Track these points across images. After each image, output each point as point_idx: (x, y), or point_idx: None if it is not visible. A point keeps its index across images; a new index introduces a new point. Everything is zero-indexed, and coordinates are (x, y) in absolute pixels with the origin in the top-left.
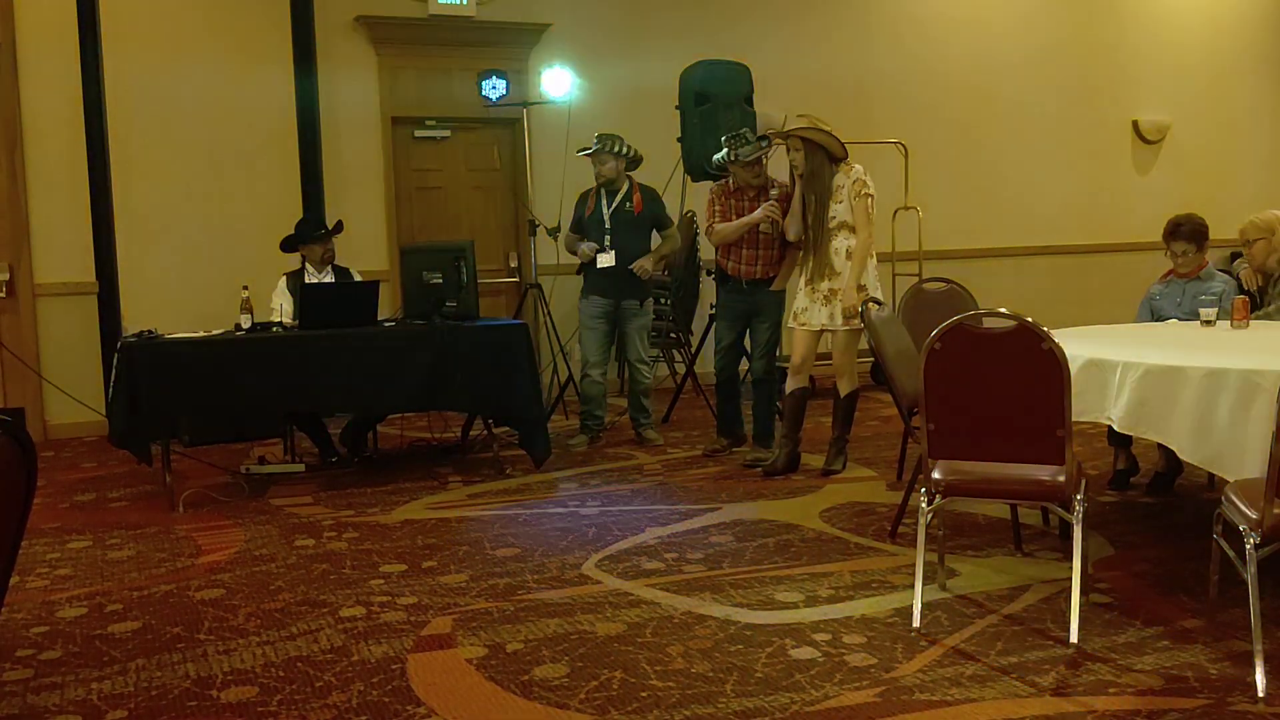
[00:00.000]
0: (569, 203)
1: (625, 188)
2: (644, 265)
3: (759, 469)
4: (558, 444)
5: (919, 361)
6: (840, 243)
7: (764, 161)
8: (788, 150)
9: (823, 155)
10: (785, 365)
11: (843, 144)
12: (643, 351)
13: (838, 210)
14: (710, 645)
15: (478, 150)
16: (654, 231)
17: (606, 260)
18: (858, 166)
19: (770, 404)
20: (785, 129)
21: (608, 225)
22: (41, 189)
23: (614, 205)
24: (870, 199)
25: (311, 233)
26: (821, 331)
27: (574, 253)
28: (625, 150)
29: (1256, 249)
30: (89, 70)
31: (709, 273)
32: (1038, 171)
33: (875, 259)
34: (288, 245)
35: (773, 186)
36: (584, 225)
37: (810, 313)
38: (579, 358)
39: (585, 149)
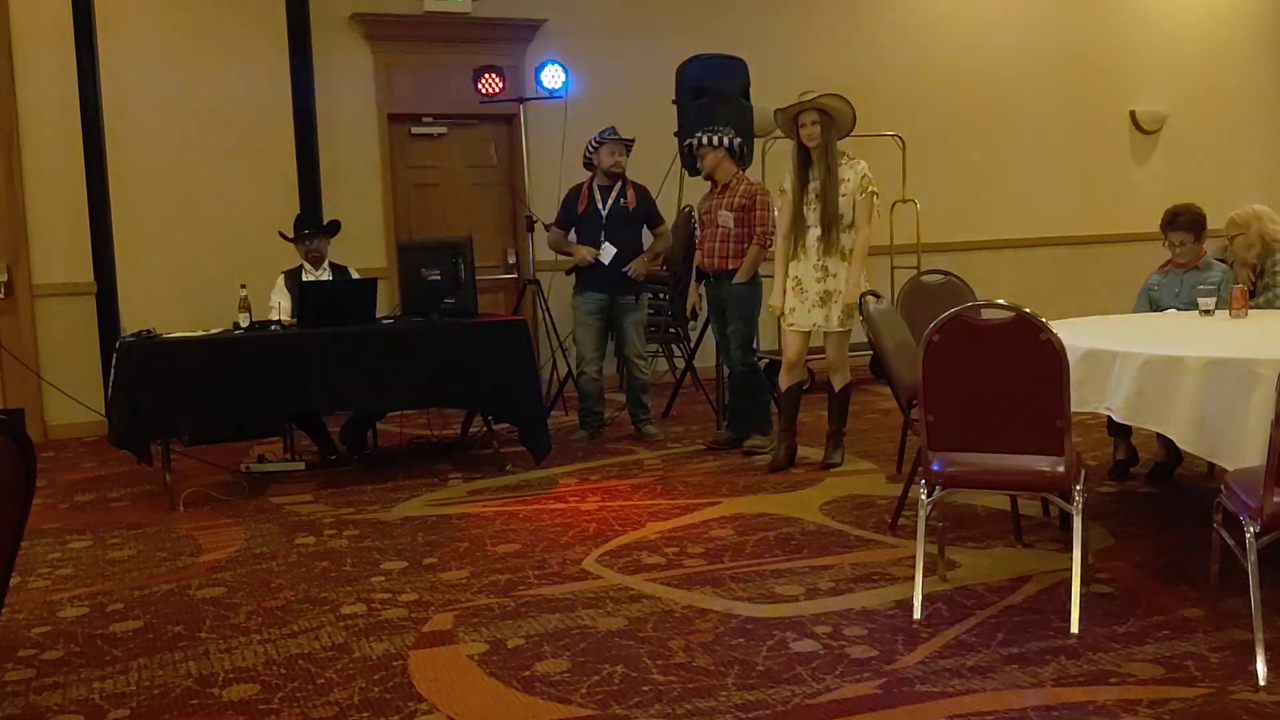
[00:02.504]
0: None
1: (619, 185)
2: (638, 269)
3: (755, 458)
4: (558, 440)
5: (918, 354)
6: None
7: (711, 156)
8: (799, 127)
9: (833, 129)
10: (775, 358)
11: (854, 110)
12: (639, 347)
13: (840, 203)
14: (711, 639)
15: (475, 147)
16: (644, 228)
17: (608, 254)
18: (862, 163)
19: (758, 394)
20: (798, 104)
21: (604, 222)
22: (39, 190)
23: (609, 202)
24: (876, 197)
25: (298, 231)
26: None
27: (564, 253)
28: (631, 150)
29: (1236, 244)
30: (85, 70)
31: None
32: (1035, 163)
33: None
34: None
35: (740, 182)
36: (578, 222)
37: (799, 314)
38: (576, 353)
39: (606, 138)
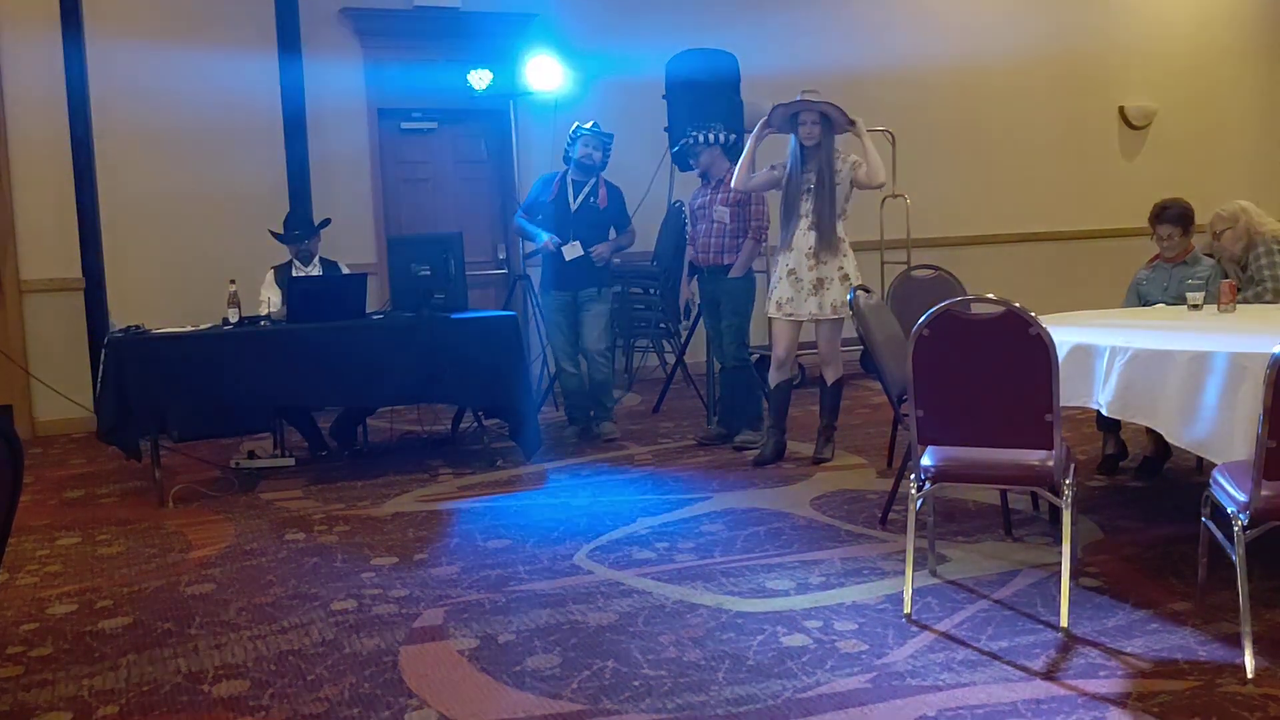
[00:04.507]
0: None
1: (592, 182)
2: (601, 252)
3: (746, 453)
4: (548, 435)
5: (908, 348)
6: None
7: (707, 154)
8: (799, 124)
9: (831, 131)
10: (767, 354)
11: (846, 118)
12: (599, 343)
13: (835, 191)
14: (702, 634)
15: (465, 142)
16: (611, 229)
17: (574, 252)
18: (853, 155)
19: (750, 390)
20: (796, 101)
21: (573, 217)
22: (26, 185)
23: (581, 198)
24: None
25: (288, 232)
26: (804, 322)
27: (527, 238)
28: (610, 148)
29: (1225, 239)
30: (72, 64)
31: None
32: (1025, 158)
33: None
34: (277, 237)
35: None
36: (542, 209)
37: (796, 303)
38: (551, 352)
39: (587, 128)
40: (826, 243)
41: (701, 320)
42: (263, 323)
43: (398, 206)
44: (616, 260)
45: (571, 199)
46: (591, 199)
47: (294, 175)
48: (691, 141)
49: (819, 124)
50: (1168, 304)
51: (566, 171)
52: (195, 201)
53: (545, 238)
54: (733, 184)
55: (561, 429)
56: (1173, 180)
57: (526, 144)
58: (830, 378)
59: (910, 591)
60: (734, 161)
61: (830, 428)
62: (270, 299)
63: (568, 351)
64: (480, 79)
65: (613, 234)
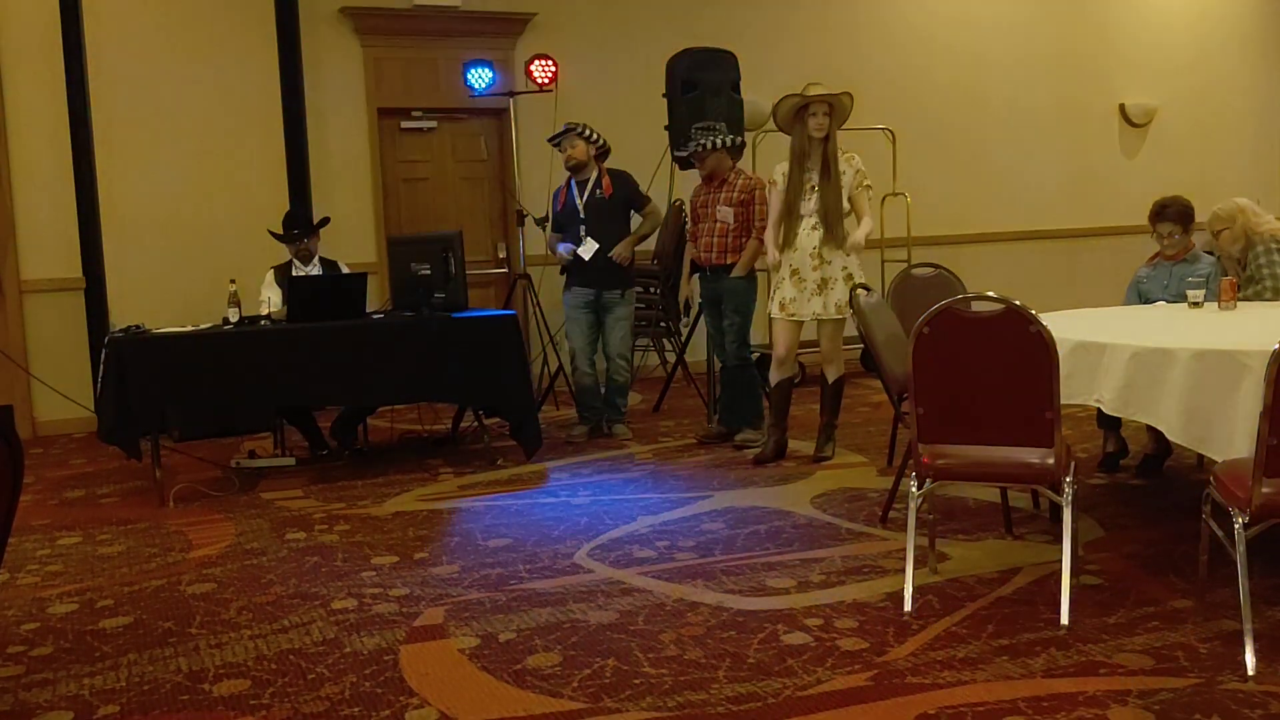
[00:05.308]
0: None
1: (594, 175)
2: (621, 253)
3: (747, 451)
4: (549, 434)
5: (908, 346)
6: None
7: (713, 157)
8: (808, 116)
9: (835, 122)
10: (767, 352)
11: (852, 101)
12: (622, 346)
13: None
14: (702, 632)
15: (465, 141)
16: (631, 213)
17: (589, 250)
18: (857, 157)
19: (751, 388)
20: (806, 94)
21: (583, 215)
22: (26, 184)
23: (586, 194)
24: (870, 190)
25: (287, 231)
26: (805, 321)
27: (554, 253)
28: (594, 135)
29: (1222, 239)
30: (73, 64)
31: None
32: (1025, 156)
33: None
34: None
35: (739, 176)
36: (559, 220)
37: (799, 303)
38: (568, 349)
39: (554, 135)
40: (832, 237)
41: (702, 319)
42: (263, 322)
43: (398, 205)
44: (653, 263)
45: (578, 199)
46: (597, 191)
47: (294, 175)
48: (700, 148)
49: (828, 115)
50: (1168, 302)
51: (570, 177)
52: (195, 201)
53: (561, 250)
54: (764, 240)
55: (563, 428)
56: (1173, 178)
57: (526, 143)
58: (831, 376)
59: (911, 589)
60: (733, 158)
61: (831, 426)
62: (270, 299)
63: (585, 350)
64: (480, 78)
65: (635, 221)
